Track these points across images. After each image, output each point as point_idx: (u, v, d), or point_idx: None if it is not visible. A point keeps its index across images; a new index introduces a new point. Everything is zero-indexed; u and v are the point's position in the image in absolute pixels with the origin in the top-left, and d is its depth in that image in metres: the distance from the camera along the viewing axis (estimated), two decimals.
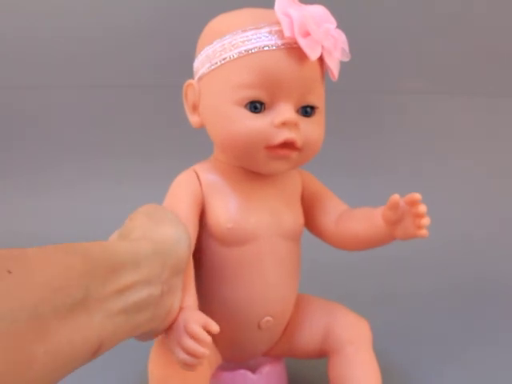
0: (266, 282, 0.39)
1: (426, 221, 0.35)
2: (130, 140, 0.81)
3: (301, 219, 0.41)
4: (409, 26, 0.80)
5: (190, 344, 0.32)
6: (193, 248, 0.37)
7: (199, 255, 0.39)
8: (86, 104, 0.82)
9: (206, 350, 0.31)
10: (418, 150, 0.85)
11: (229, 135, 0.36)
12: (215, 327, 0.32)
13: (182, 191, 0.38)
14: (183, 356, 0.32)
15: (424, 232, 0.35)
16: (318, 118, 0.38)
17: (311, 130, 0.37)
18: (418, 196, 0.35)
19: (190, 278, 0.36)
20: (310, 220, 0.43)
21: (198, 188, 0.39)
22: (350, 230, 0.41)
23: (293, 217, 0.40)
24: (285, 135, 0.35)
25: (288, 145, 0.36)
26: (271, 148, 0.36)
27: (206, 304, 0.39)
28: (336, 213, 0.42)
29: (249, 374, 0.42)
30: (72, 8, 0.79)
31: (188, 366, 0.32)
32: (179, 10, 0.75)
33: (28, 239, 0.76)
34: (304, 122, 0.37)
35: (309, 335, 0.43)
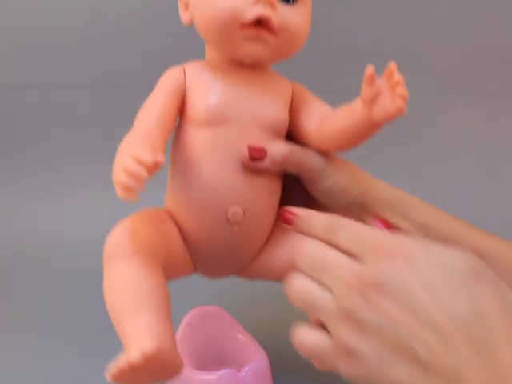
0: (234, 168, 0.39)
1: (401, 90, 0.34)
2: None
3: (283, 114, 0.41)
4: (409, 25, 0.80)
5: (132, 165, 0.32)
6: (171, 130, 0.40)
7: (176, 143, 0.41)
8: (87, 104, 0.82)
9: (146, 173, 0.32)
10: (417, 150, 0.85)
11: (207, 15, 0.38)
12: (160, 157, 0.33)
13: (165, 81, 0.41)
14: (123, 178, 0.32)
15: (400, 103, 0.33)
16: (302, 9, 0.39)
17: (290, 16, 0.38)
18: (393, 65, 0.34)
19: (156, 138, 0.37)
20: (294, 122, 0.42)
21: (181, 78, 0.40)
22: (330, 126, 0.40)
23: (274, 109, 0.41)
24: (258, 11, 0.36)
25: (263, 24, 0.37)
26: (245, 26, 0.37)
27: (177, 192, 0.40)
28: (320, 115, 0.42)
29: (234, 372, 0.42)
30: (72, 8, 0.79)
31: (126, 190, 0.32)
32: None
33: (28, 239, 0.76)
34: (284, 8, 0.37)
35: (285, 254, 0.42)
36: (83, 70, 0.80)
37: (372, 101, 0.35)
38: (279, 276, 0.40)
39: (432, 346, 0.27)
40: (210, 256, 0.42)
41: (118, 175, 0.33)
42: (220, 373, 0.42)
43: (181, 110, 0.41)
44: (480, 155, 0.85)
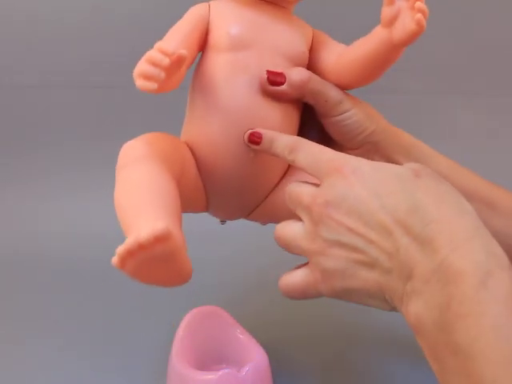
0: (253, 92, 0.39)
1: (421, 5, 0.34)
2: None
3: (303, 47, 0.42)
4: None
5: (155, 53, 0.33)
6: (192, 60, 0.40)
7: (196, 73, 0.41)
8: (87, 104, 0.82)
9: (168, 62, 0.32)
10: None
11: None
12: (184, 52, 0.33)
13: (188, 15, 0.41)
14: (144, 66, 0.33)
15: (419, 17, 0.34)
16: None
17: None
18: None
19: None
20: (313, 62, 0.43)
21: (205, 12, 0.41)
22: (349, 56, 0.40)
23: (295, 41, 0.41)
24: None
25: None
26: None
27: (195, 119, 0.41)
28: (339, 50, 0.42)
29: (234, 372, 0.42)
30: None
31: (146, 77, 0.33)
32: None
33: (28, 239, 0.76)
34: None
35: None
36: (83, 70, 0.80)
37: (391, 21, 0.36)
38: (287, 219, 0.41)
39: (381, 243, 0.30)
40: (224, 189, 0.42)
41: (140, 65, 0.33)
42: (220, 373, 0.42)
43: (202, 45, 0.41)
44: (480, 155, 0.85)
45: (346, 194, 0.32)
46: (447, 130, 0.85)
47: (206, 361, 0.47)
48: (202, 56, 0.42)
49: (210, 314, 0.49)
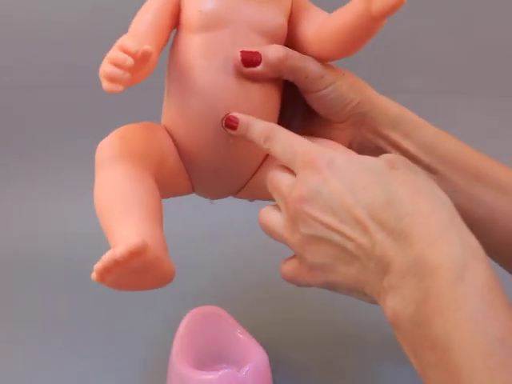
0: (229, 73, 0.38)
1: None
2: None
3: (280, 19, 0.40)
4: (409, 25, 0.80)
5: (118, 53, 0.32)
6: (165, 43, 0.39)
7: (171, 54, 0.40)
8: (87, 104, 0.82)
9: (132, 61, 0.31)
10: None
11: None
12: (148, 47, 0.32)
13: None
14: (108, 68, 0.32)
15: None
16: None
17: None
18: None
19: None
20: (293, 31, 0.41)
21: None
22: (328, 27, 0.38)
23: (271, 14, 0.39)
24: None
25: None
26: None
27: (172, 103, 0.40)
28: (320, 21, 0.39)
29: (234, 372, 0.42)
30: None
31: (111, 79, 0.32)
32: None
33: (28, 239, 0.76)
34: None
35: None
36: (84, 70, 0.80)
37: None
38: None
39: (356, 239, 0.30)
40: (206, 172, 0.41)
41: (103, 67, 0.32)
42: (220, 373, 0.42)
43: (176, 23, 0.39)
44: None
45: (320, 189, 0.31)
46: (447, 129, 0.85)
47: (206, 361, 0.47)
48: (175, 35, 0.40)
49: (210, 314, 0.49)
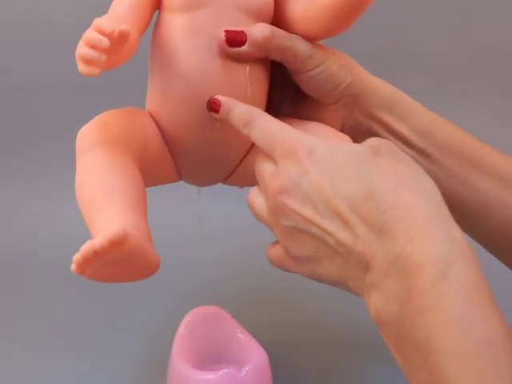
0: (213, 54, 0.36)
1: None
2: None
3: None
4: (409, 25, 0.80)
5: (94, 35, 0.31)
6: (147, 24, 0.37)
7: (153, 36, 0.39)
8: (87, 104, 0.82)
9: (108, 42, 0.30)
10: None
11: None
12: (125, 27, 0.31)
13: None
14: (84, 50, 0.31)
15: None
16: None
17: None
18: None
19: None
20: (280, 9, 0.39)
21: None
22: (316, 4, 0.36)
23: None
24: None
25: None
26: None
27: (155, 86, 0.39)
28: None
29: (234, 372, 0.42)
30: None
31: (87, 62, 0.31)
32: None
33: (28, 239, 0.76)
34: None
35: None
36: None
37: None
38: None
39: (336, 233, 0.29)
40: (192, 157, 0.39)
41: (79, 48, 0.31)
42: (220, 373, 0.42)
43: (158, 3, 0.38)
44: None
45: (300, 181, 0.30)
46: None
47: (206, 361, 0.47)
48: (158, 16, 0.38)
49: (210, 314, 0.49)
